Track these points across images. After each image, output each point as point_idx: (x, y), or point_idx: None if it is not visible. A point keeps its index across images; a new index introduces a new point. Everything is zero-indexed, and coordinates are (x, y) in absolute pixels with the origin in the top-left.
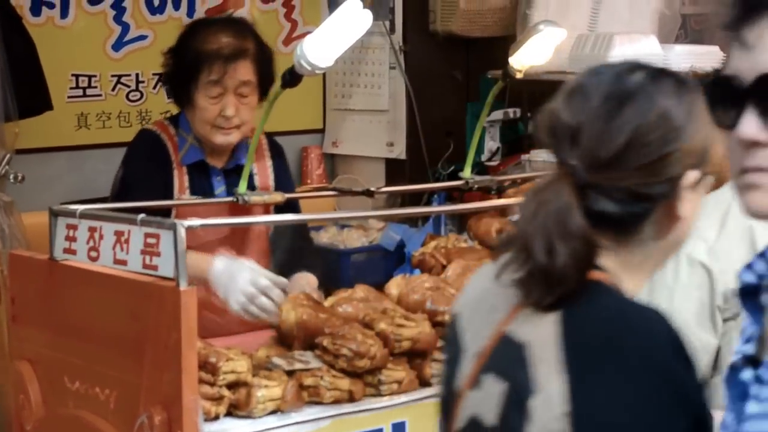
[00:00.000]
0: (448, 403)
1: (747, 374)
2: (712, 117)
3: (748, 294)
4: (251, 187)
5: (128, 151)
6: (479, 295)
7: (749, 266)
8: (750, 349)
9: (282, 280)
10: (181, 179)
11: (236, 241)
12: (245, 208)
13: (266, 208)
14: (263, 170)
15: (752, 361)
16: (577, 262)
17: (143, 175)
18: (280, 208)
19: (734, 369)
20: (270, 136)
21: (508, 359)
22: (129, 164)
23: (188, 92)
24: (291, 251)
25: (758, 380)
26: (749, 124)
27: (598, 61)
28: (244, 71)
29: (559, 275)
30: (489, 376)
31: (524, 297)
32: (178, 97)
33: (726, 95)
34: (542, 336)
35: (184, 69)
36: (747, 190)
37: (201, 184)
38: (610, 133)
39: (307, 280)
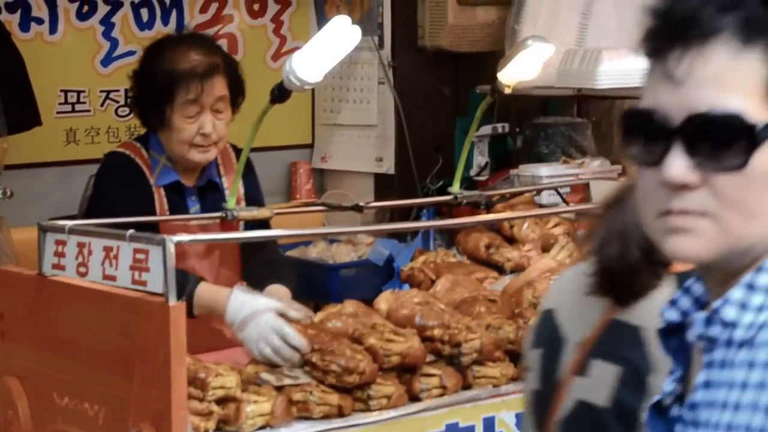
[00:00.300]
0: (546, 395)
1: (675, 411)
2: (628, 151)
3: (671, 333)
4: (222, 200)
5: (104, 176)
6: (575, 288)
7: (673, 303)
8: (676, 389)
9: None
10: (161, 201)
11: (211, 254)
12: (224, 224)
13: (238, 223)
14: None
15: (679, 399)
16: (633, 256)
17: (127, 201)
18: (250, 222)
19: (656, 409)
20: (240, 150)
21: (620, 343)
22: (107, 190)
23: (162, 113)
24: (261, 264)
25: (680, 420)
26: (677, 166)
27: (587, 76)
28: (219, 87)
29: (617, 268)
30: (597, 361)
31: (592, 288)
32: (149, 119)
33: (648, 131)
34: (656, 318)
35: (157, 91)
36: (671, 233)
37: (177, 205)
38: None
39: (280, 293)
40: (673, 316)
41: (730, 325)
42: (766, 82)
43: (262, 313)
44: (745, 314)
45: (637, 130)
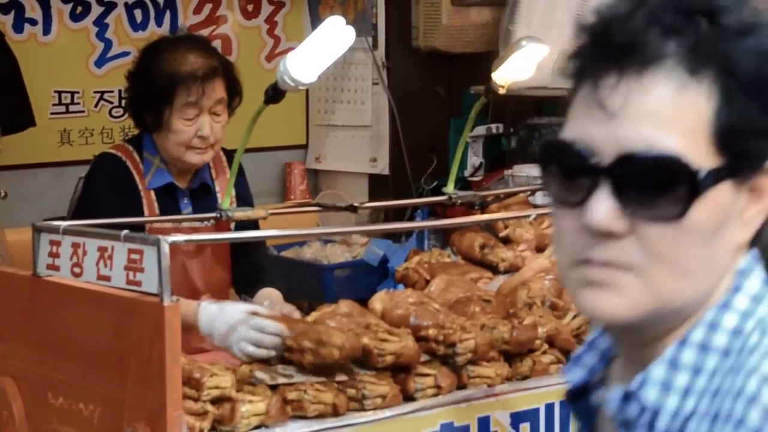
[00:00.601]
0: None
1: None
2: (546, 186)
3: (577, 395)
4: (214, 202)
5: (92, 178)
6: None
7: (577, 360)
8: None
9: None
10: (151, 206)
11: (203, 255)
12: (217, 226)
13: (228, 225)
14: (224, 186)
15: None
16: None
17: (114, 204)
18: (239, 224)
19: None
20: (229, 152)
21: None
22: (95, 192)
23: (160, 115)
24: (252, 266)
25: None
26: (602, 211)
27: None
28: (219, 89)
29: None
30: None
31: None
32: (143, 121)
33: (571, 166)
34: None
35: (156, 93)
36: (588, 287)
37: (169, 207)
38: None
39: (272, 296)
40: (578, 376)
41: (651, 408)
42: (712, 121)
43: (236, 320)
44: (669, 397)
45: (558, 163)
